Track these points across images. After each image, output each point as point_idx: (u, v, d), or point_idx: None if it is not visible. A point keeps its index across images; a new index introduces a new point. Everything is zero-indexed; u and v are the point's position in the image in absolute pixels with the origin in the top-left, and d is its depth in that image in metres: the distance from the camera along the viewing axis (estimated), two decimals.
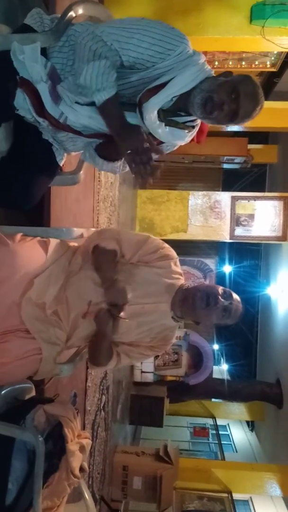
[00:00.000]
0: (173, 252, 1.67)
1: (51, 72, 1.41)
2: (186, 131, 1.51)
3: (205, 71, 1.40)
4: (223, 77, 1.41)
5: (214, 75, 1.44)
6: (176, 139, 1.52)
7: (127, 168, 1.65)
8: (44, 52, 1.43)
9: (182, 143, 1.57)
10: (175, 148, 1.61)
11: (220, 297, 1.54)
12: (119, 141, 1.38)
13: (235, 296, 1.59)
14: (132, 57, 1.34)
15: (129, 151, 1.34)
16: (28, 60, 1.39)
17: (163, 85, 1.36)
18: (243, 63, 5.56)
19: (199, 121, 1.53)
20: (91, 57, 1.30)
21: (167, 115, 1.43)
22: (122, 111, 1.39)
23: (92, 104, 1.40)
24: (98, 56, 1.30)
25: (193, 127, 1.53)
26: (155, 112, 1.38)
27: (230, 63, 5.49)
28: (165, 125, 1.43)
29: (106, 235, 1.62)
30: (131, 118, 1.40)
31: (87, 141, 1.57)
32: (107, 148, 1.56)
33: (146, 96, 1.36)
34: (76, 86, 1.39)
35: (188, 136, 1.54)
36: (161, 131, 1.43)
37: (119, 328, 1.53)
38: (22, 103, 1.46)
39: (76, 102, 1.40)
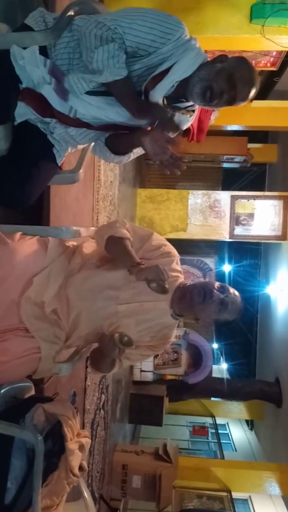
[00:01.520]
0: (174, 250, 1.68)
1: (52, 69, 1.41)
2: (188, 115, 1.56)
3: (202, 55, 1.44)
4: (219, 62, 1.44)
5: (209, 59, 1.47)
6: (181, 124, 1.56)
7: (132, 157, 1.67)
8: (45, 50, 1.43)
9: (185, 127, 1.62)
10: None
11: (215, 290, 1.55)
12: (144, 116, 1.42)
13: (232, 290, 1.59)
14: (135, 41, 1.37)
15: (156, 123, 1.37)
16: (29, 65, 1.39)
17: (166, 72, 1.39)
18: None
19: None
20: (98, 43, 1.34)
21: (171, 102, 1.47)
22: (135, 90, 1.42)
23: (100, 94, 1.41)
24: (105, 41, 1.33)
25: (194, 111, 1.58)
26: (161, 100, 1.42)
27: None
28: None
29: (116, 225, 1.60)
30: None
31: (97, 133, 1.59)
32: (115, 142, 1.58)
33: (152, 84, 1.40)
34: (84, 74, 1.40)
35: (190, 120, 1.60)
36: None
37: (120, 329, 1.53)
38: (23, 112, 1.47)
39: (86, 93, 1.42)
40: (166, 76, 1.39)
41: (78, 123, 1.51)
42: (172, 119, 1.40)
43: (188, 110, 1.55)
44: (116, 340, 1.43)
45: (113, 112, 1.46)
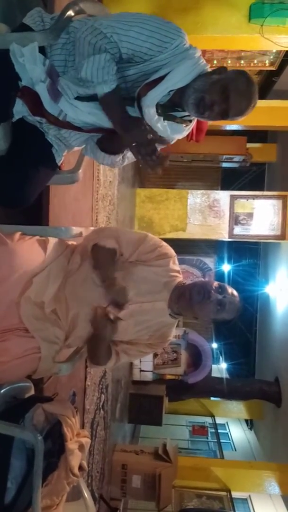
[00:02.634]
0: (171, 250, 1.67)
1: (50, 69, 1.41)
2: (184, 125, 1.53)
3: (200, 65, 1.40)
4: (217, 74, 1.41)
5: (209, 70, 1.44)
6: (174, 133, 1.53)
7: (126, 162, 1.66)
8: (43, 50, 1.43)
9: (180, 137, 1.59)
10: (173, 141, 1.61)
11: (213, 291, 1.55)
12: (123, 134, 1.39)
13: (231, 290, 1.59)
14: (131, 49, 1.35)
15: (134, 143, 1.35)
16: (28, 63, 1.39)
17: (160, 79, 1.37)
18: (242, 62, 5.56)
19: None
20: (91, 51, 1.32)
21: (165, 110, 1.44)
22: (123, 104, 1.40)
23: (91, 99, 1.40)
24: (98, 50, 1.31)
25: (190, 121, 1.55)
26: (154, 107, 1.39)
27: (229, 62, 5.50)
28: (164, 119, 1.45)
29: (105, 234, 1.63)
30: (130, 112, 1.42)
31: (89, 135, 1.58)
32: (108, 142, 1.57)
33: (144, 90, 1.38)
34: (77, 80, 1.40)
35: (185, 130, 1.56)
36: (160, 125, 1.44)
37: (118, 328, 1.53)
38: (20, 109, 1.46)
39: (76, 98, 1.41)
40: (159, 84, 1.37)
41: (69, 126, 1.50)
42: (152, 144, 1.35)
43: (184, 119, 1.52)
44: (111, 305, 1.49)
45: (104, 118, 1.44)
